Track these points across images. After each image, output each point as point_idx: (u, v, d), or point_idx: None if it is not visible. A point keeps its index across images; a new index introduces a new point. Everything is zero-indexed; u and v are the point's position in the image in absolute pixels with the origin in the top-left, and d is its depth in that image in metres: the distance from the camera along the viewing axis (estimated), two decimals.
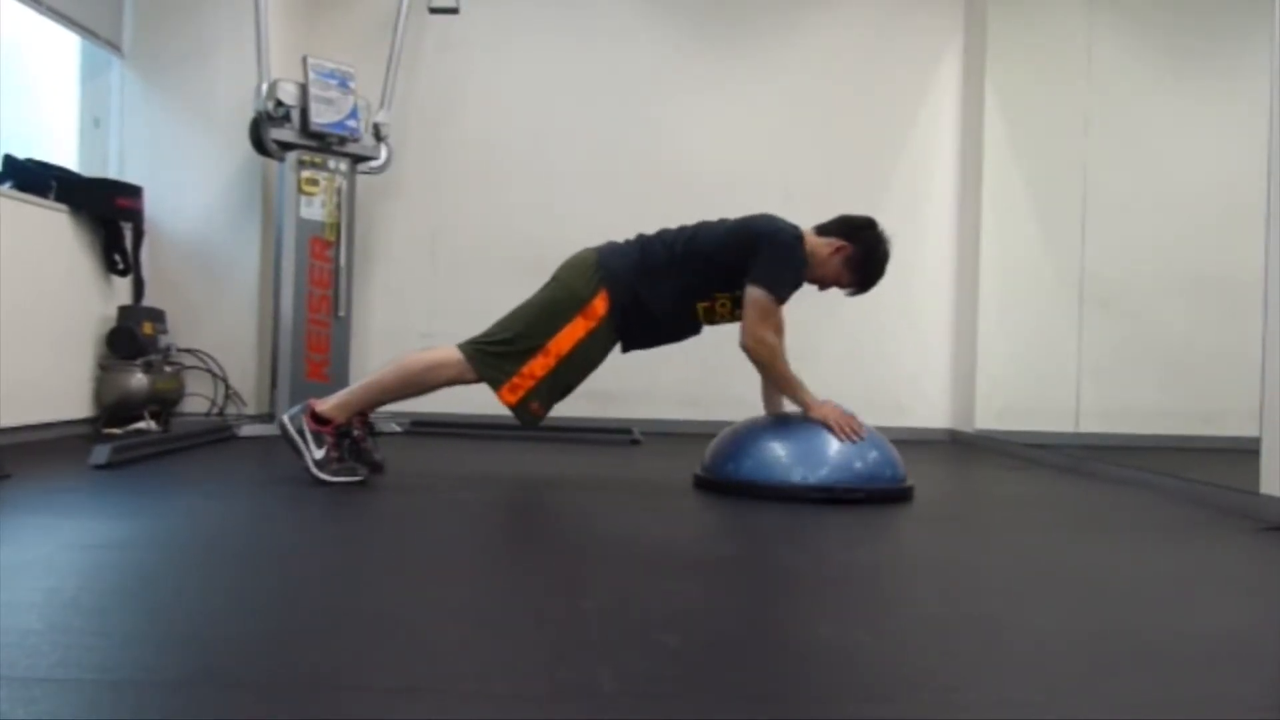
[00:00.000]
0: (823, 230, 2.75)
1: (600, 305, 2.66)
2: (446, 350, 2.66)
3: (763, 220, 2.71)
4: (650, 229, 2.83)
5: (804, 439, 2.64)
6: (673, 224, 2.82)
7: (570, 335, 2.65)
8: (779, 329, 2.71)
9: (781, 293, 2.65)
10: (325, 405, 2.60)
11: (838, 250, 2.71)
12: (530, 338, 2.65)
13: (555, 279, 2.76)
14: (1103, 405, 4.50)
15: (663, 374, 4.25)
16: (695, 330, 2.80)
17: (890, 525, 2.39)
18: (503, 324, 2.70)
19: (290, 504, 2.39)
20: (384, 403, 2.68)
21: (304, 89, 3.94)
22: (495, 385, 2.64)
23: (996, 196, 4.69)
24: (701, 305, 2.73)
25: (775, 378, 2.72)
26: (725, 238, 2.69)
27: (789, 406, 2.78)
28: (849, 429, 2.62)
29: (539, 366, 2.64)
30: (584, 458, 3.48)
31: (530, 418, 2.67)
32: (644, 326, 2.74)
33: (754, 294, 2.63)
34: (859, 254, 2.72)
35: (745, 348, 2.66)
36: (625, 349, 2.79)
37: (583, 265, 2.72)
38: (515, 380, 2.64)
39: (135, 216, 3.95)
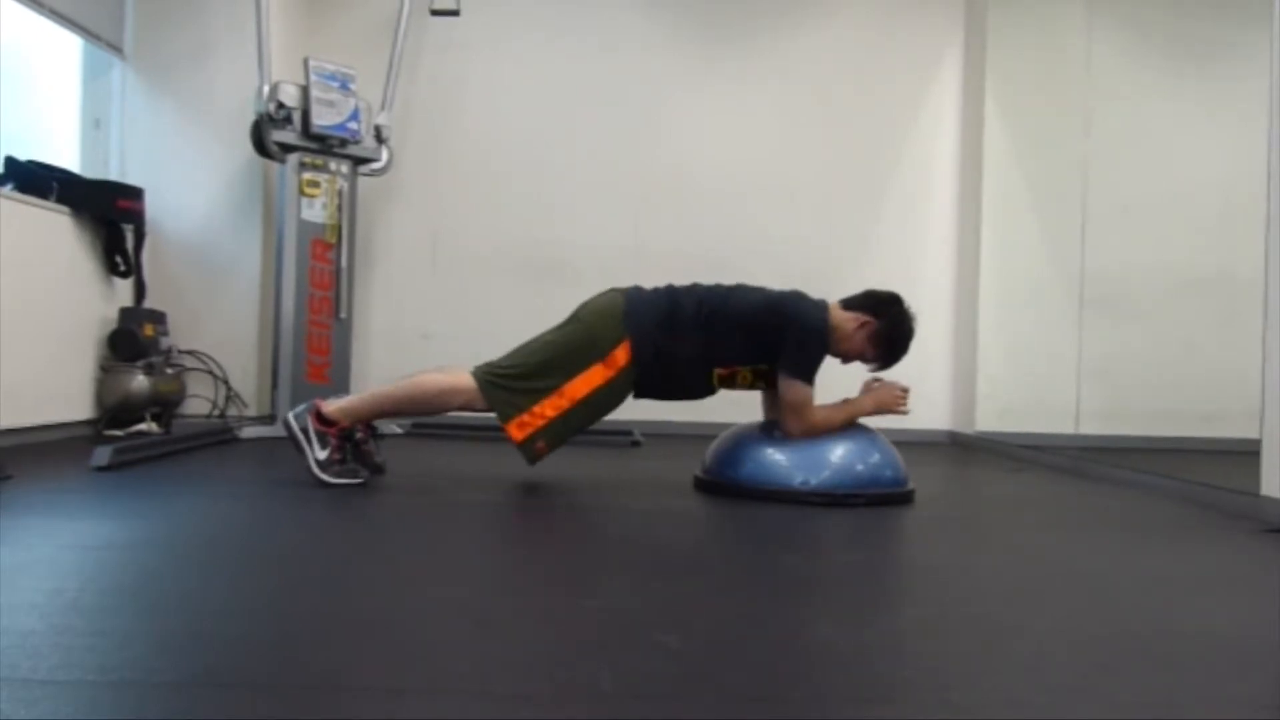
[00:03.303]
0: (848, 305, 2.74)
1: (622, 356, 2.64)
2: (460, 375, 2.65)
3: (792, 302, 2.68)
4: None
5: (805, 442, 2.64)
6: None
7: (588, 381, 2.63)
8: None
9: (812, 378, 2.65)
10: (332, 407, 2.60)
11: (862, 325, 2.70)
12: (547, 377, 2.63)
13: (579, 320, 2.72)
14: (1103, 406, 4.50)
15: None
16: (709, 392, 2.77)
17: (891, 526, 2.39)
18: (520, 355, 2.68)
19: (291, 506, 2.39)
20: (390, 416, 2.67)
21: (305, 91, 3.94)
22: (504, 419, 2.63)
23: (997, 197, 4.70)
24: (719, 372, 2.71)
25: (831, 431, 2.68)
26: (755, 313, 2.66)
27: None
28: (899, 401, 2.70)
29: (551, 407, 2.62)
30: (584, 459, 3.48)
31: (533, 456, 2.67)
32: (661, 380, 2.72)
33: (793, 388, 2.62)
34: (884, 330, 2.71)
35: (795, 437, 2.64)
36: (637, 396, 2.76)
37: (610, 311, 2.69)
38: (525, 418, 2.63)
39: (136, 218, 3.96)
